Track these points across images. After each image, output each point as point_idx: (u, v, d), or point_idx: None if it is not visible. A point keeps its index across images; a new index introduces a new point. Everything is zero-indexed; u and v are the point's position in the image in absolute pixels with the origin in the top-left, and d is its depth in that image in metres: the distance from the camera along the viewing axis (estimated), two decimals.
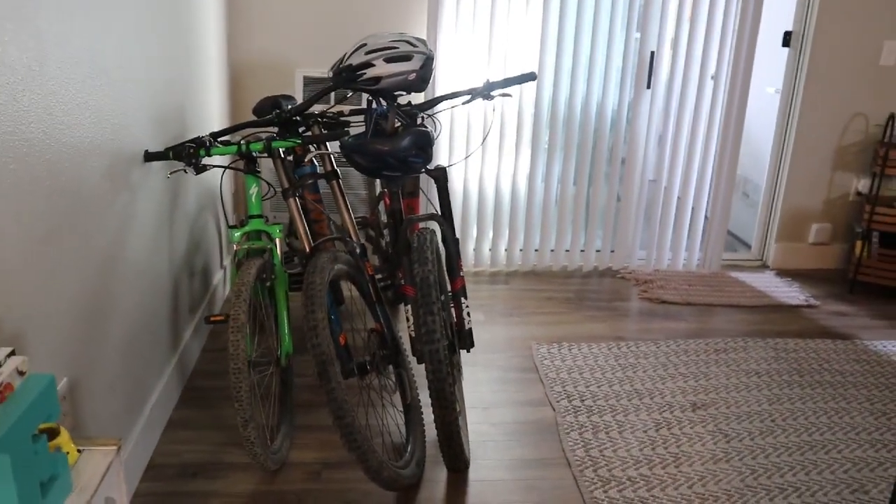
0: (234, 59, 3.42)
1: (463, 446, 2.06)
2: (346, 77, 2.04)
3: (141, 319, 2.08)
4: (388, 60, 2.02)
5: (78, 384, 1.64)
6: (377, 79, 2.02)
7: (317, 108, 2.64)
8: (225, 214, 3.27)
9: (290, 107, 2.36)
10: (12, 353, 1.07)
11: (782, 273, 3.86)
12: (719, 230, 3.78)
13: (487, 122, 3.51)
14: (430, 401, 1.95)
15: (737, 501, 2.03)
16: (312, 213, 2.45)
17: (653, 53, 3.51)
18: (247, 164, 2.24)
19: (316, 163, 2.36)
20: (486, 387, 2.61)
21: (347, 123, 2.40)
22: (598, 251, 3.84)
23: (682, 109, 3.60)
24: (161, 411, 2.26)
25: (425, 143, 2.07)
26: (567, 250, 3.80)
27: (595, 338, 3.03)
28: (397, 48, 2.04)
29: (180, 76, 2.51)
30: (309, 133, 2.32)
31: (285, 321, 2.29)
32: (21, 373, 1.07)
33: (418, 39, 2.11)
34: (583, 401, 2.51)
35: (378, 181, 3.16)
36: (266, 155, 2.16)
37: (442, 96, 2.34)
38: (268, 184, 2.35)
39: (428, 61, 2.08)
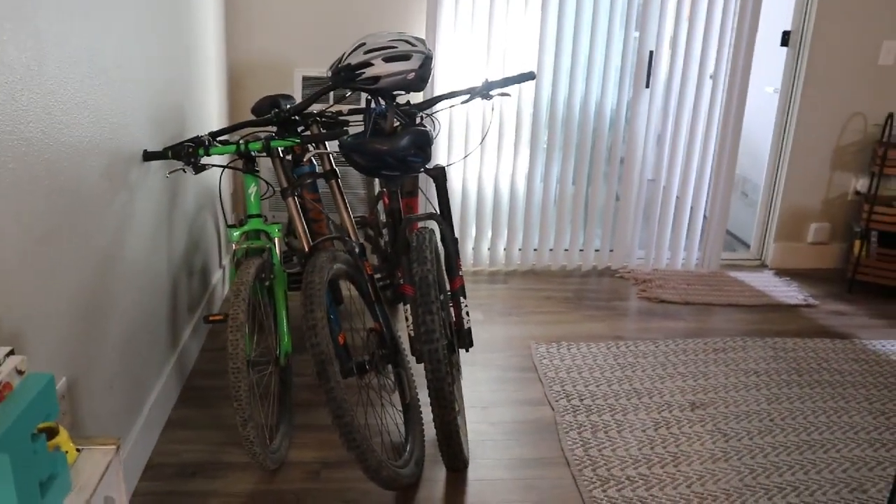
0: (233, 58, 3.42)
1: (462, 445, 2.06)
2: (345, 76, 2.04)
3: (140, 319, 2.08)
4: (387, 60, 2.02)
5: (77, 383, 1.64)
6: (376, 78, 2.02)
7: (315, 108, 2.64)
8: (224, 214, 3.27)
9: (288, 106, 2.36)
10: (11, 353, 1.07)
11: (781, 272, 3.86)
12: (718, 229, 3.78)
13: (486, 121, 3.51)
14: (429, 400, 1.95)
15: (735, 501, 2.03)
16: (311, 213, 2.45)
17: (651, 53, 3.51)
18: (245, 163, 2.24)
19: (315, 162, 2.36)
20: (484, 386, 2.61)
21: (346, 123, 2.40)
22: (596, 250, 3.84)
23: (680, 109, 3.60)
24: (160, 411, 2.25)
25: (424, 143, 2.07)
26: (566, 250, 3.81)
27: (594, 337, 3.03)
28: (396, 47, 2.04)
29: (179, 76, 2.51)
30: (308, 132, 2.32)
31: (284, 320, 2.29)
32: (20, 372, 1.07)
33: (417, 39, 2.11)
34: (582, 400, 2.52)
35: (377, 180, 3.15)
36: (265, 154, 2.16)
37: (441, 96, 2.34)
38: (267, 183, 2.35)
39: (427, 61, 2.08)
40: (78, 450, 1.22)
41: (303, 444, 2.24)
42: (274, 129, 2.33)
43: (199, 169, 2.15)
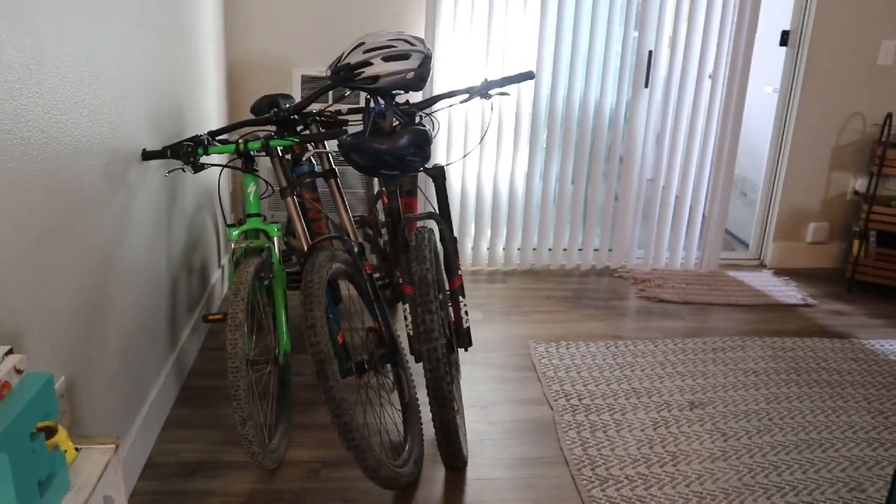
0: (232, 57, 3.41)
1: (461, 445, 2.06)
2: (344, 76, 2.04)
3: (139, 318, 2.08)
4: (386, 59, 2.02)
5: (76, 383, 1.64)
6: (375, 77, 2.02)
7: (315, 107, 2.64)
8: (223, 213, 3.27)
9: (287, 105, 2.36)
10: (10, 352, 1.07)
11: (780, 272, 3.86)
12: (717, 229, 3.78)
13: (485, 120, 3.51)
14: (428, 399, 1.95)
15: (734, 500, 2.03)
16: (310, 212, 2.45)
17: (651, 52, 3.51)
18: (245, 162, 2.24)
19: (314, 161, 2.36)
20: (484, 385, 2.61)
21: (345, 122, 2.40)
22: (596, 250, 3.84)
23: (680, 108, 3.60)
24: (159, 410, 2.25)
25: (423, 142, 2.07)
26: (565, 249, 3.81)
27: (593, 336, 3.03)
28: (395, 47, 2.04)
29: (178, 75, 2.51)
30: (307, 132, 2.32)
31: (283, 320, 2.29)
32: (19, 371, 1.07)
33: (416, 38, 2.11)
34: (581, 399, 2.52)
35: (376, 180, 3.15)
36: (264, 154, 2.16)
37: (440, 95, 2.34)
38: (266, 182, 2.35)
39: (426, 60, 2.08)
40: (77, 449, 1.22)
41: (302, 443, 2.24)
42: (273, 128, 2.34)
43: (198, 168, 2.15)
